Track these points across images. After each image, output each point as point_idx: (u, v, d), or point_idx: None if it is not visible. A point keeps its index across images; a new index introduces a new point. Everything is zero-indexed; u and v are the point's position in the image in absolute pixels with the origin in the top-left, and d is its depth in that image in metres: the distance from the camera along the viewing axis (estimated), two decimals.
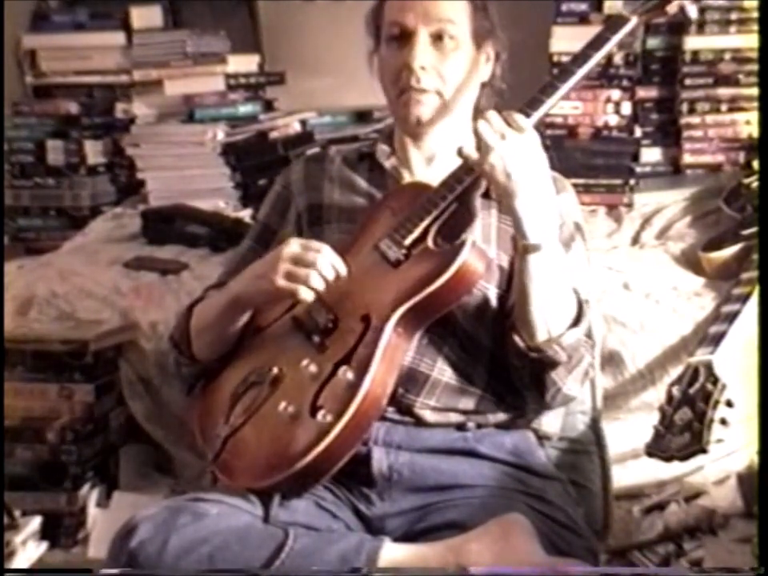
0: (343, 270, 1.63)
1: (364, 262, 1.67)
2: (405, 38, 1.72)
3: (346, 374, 1.58)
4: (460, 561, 1.50)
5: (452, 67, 1.73)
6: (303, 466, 1.53)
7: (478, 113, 1.76)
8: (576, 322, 1.64)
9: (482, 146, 1.58)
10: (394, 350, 1.60)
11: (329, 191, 1.83)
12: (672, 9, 1.74)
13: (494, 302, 1.71)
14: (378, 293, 1.63)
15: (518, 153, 1.57)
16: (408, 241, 1.65)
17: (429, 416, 1.68)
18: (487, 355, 1.71)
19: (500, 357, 1.71)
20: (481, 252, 1.64)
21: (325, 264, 1.61)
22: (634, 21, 1.70)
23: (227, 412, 1.67)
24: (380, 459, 1.66)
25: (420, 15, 1.70)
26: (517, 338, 1.63)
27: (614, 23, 1.70)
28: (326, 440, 1.53)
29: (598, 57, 1.67)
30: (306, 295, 1.61)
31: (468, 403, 1.70)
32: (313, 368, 1.62)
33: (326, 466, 1.56)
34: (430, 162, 1.79)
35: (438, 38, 1.71)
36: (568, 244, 1.73)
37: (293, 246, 1.64)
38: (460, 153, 1.62)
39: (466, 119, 1.80)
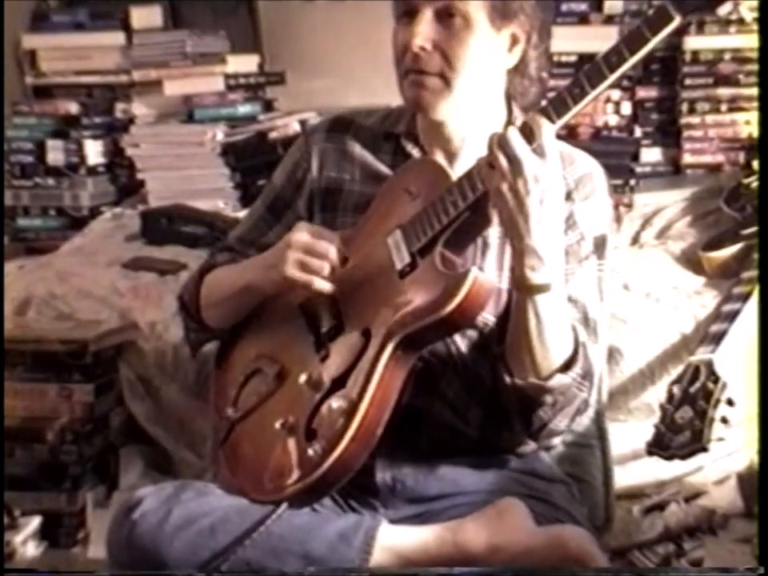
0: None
1: (373, 256, 1.60)
2: (411, 15, 1.58)
3: (341, 401, 1.53)
4: (457, 539, 1.50)
5: (460, 48, 1.57)
6: (296, 492, 1.52)
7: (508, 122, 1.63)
8: (568, 365, 1.54)
9: (494, 171, 1.46)
10: (390, 378, 1.54)
11: (349, 177, 1.73)
12: (724, 9, 1.53)
13: (494, 331, 1.62)
14: (381, 306, 1.56)
15: (532, 188, 1.44)
16: (415, 248, 1.56)
17: (430, 454, 1.66)
18: (485, 391, 1.64)
19: (497, 392, 1.63)
20: (485, 282, 1.51)
21: (336, 254, 1.58)
22: (677, 20, 1.44)
23: (236, 394, 1.67)
24: (383, 470, 1.64)
25: None
26: (504, 374, 1.56)
27: (655, 20, 1.44)
28: (317, 473, 1.50)
29: (633, 60, 1.45)
30: (323, 286, 1.59)
31: (466, 447, 1.67)
32: (313, 380, 1.59)
33: (321, 490, 1.54)
34: (454, 158, 1.67)
35: (447, 15, 1.56)
36: (581, 262, 1.62)
37: (301, 233, 1.60)
38: (477, 171, 1.50)
39: (493, 109, 1.66)
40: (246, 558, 1.48)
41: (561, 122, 1.47)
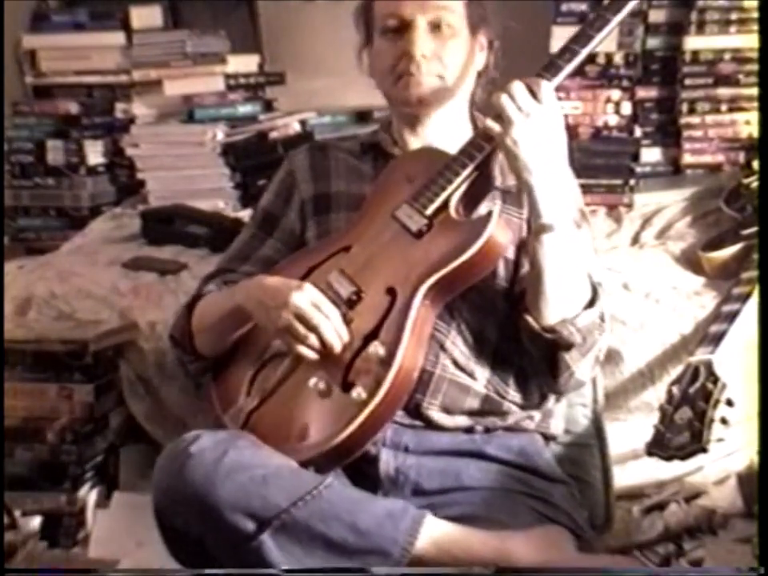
0: (345, 338, 1.60)
1: (383, 232, 1.66)
2: (402, 28, 1.72)
3: (378, 348, 1.57)
4: (504, 547, 1.51)
5: (452, 54, 1.72)
6: (338, 443, 1.54)
7: (497, 90, 1.73)
8: (590, 304, 1.64)
9: (504, 121, 1.56)
10: (423, 323, 1.60)
11: (336, 180, 1.81)
12: None
13: (500, 294, 1.71)
14: (402, 265, 1.62)
15: (540, 129, 1.56)
16: (430, 210, 1.63)
17: (437, 417, 1.68)
18: (490, 350, 1.71)
19: (503, 352, 1.71)
20: (506, 223, 1.64)
21: (329, 331, 1.59)
22: None
23: (248, 385, 1.67)
24: (387, 461, 1.66)
25: (416, 4, 1.70)
26: (530, 319, 1.63)
27: None
28: (361, 417, 1.53)
29: (617, 20, 1.63)
30: (306, 352, 1.60)
31: (473, 402, 1.70)
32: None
33: (361, 442, 1.56)
34: None
35: (435, 26, 1.71)
36: (578, 229, 1.72)
37: (303, 298, 1.60)
38: (481, 126, 1.61)
39: (462, 108, 1.80)
40: (294, 517, 1.49)
41: (556, 80, 1.62)
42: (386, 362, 1.55)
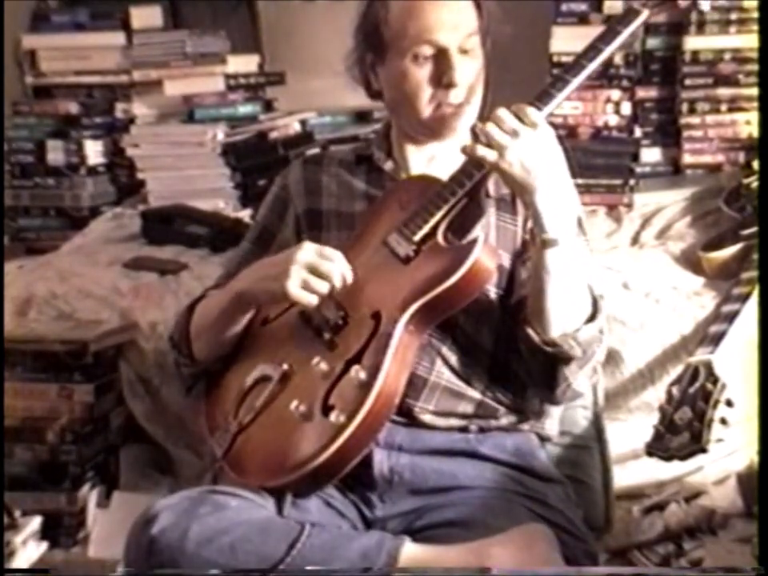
0: (350, 279, 1.62)
1: (372, 258, 1.66)
2: (434, 56, 1.70)
3: (359, 373, 1.56)
4: (482, 564, 1.49)
5: (476, 79, 1.72)
6: (317, 466, 1.53)
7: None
8: (592, 317, 1.64)
9: (494, 147, 1.55)
10: (406, 348, 1.59)
11: (327, 197, 1.82)
12: (684, 2, 1.71)
13: (495, 302, 1.70)
14: (389, 290, 1.62)
15: (533, 148, 1.55)
16: (418, 237, 1.63)
17: (429, 419, 1.68)
18: (486, 358, 1.71)
19: (500, 359, 1.71)
20: (492, 250, 1.64)
21: (338, 276, 1.61)
22: (645, 13, 1.67)
23: (235, 408, 1.67)
24: (381, 461, 1.66)
25: (450, 31, 1.69)
26: (531, 332, 1.62)
27: (625, 16, 1.68)
28: (339, 440, 1.52)
29: (609, 50, 1.65)
30: (314, 302, 1.61)
31: (467, 407, 1.70)
32: (323, 366, 1.61)
33: (340, 465, 1.55)
34: (429, 163, 1.78)
35: (464, 51, 1.70)
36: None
37: (307, 251, 1.62)
38: (473, 154, 1.58)
39: None
40: None
41: (547, 109, 1.61)
42: (366, 386, 1.54)
